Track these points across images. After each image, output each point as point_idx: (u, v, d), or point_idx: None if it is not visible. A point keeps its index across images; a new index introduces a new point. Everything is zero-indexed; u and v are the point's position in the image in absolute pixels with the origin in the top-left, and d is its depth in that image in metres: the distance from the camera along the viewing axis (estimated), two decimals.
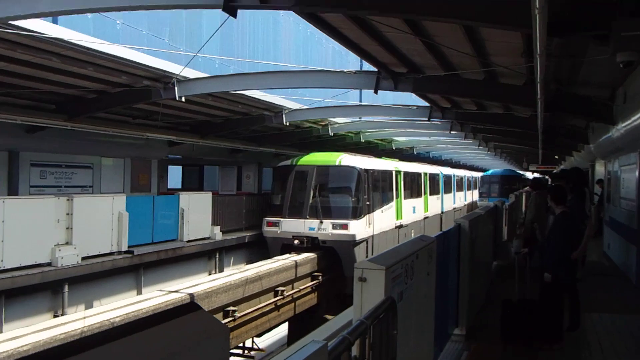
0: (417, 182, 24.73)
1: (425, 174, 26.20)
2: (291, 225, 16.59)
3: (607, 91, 9.88)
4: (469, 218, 7.15)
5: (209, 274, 15.06)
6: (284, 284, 13.85)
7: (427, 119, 14.78)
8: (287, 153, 24.52)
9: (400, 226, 20.81)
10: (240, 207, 17.71)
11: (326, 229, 16.26)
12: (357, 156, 18.88)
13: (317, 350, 1.84)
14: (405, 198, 21.61)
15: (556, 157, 24.58)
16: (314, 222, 16.38)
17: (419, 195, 24.62)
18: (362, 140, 22.71)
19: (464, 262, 6.76)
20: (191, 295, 10.57)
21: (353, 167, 17.21)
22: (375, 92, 9.90)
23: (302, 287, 14.54)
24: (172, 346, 1.19)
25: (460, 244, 6.70)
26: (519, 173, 40.80)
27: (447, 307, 6.10)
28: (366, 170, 17.53)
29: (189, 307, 1.33)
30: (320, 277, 15.55)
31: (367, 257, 15.87)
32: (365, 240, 17.11)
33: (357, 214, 16.76)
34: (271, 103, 15.09)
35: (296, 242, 16.29)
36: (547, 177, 42.09)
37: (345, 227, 16.31)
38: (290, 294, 13.96)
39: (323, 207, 16.55)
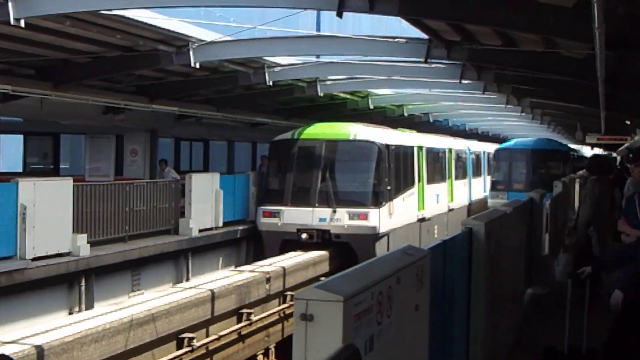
0: (441, 162, 28.10)
1: (450, 150, 29.34)
2: (296, 216, 20.07)
3: None
4: (487, 219, 7.23)
5: (70, 313, 14.92)
6: (193, 328, 13.84)
7: (423, 59, 14.91)
8: (196, 113, 24.43)
9: (423, 219, 23.73)
10: (121, 203, 17.54)
11: (341, 219, 19.63)
12: (371, 127, 22.90)
13: None
14: (427, 182, 24.77)
15: (627, 122, 25.14)
16: (326, 212, 19.81)
17: (442, 179, 27.90)
18: (320, 94, 22.80)
19: (478, 289, 6.86)
20: (38, 349, 10.45)
21: (372, 143, 20.70)
22: (339, 14, 9.90)
23: (223, 333, 14.58)
24: None
25: (472, 259, 6.79)
26: (565, 146, 38.96)
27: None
28: (387, 146, 20.86)
29: None
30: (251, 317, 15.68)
31: None
32: (387, 234, 20.33)
33: (378, 200, 20.07)
34: (170, 32, 15.02)
35: (304, 236, 19.70)
36: (614, 154, 42.72)
37: (364, 216, 19.55)
38: (204, 344, 13.99)
39: (336, 193, 20.09)
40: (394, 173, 20.89)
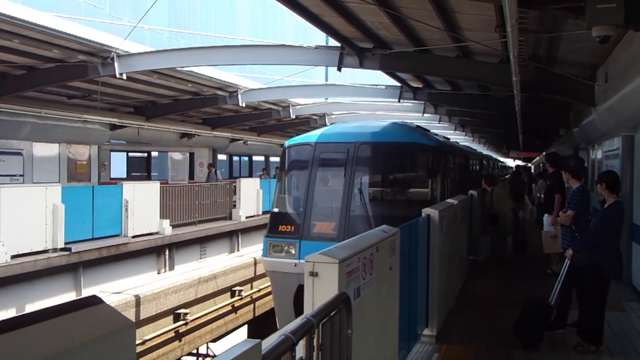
0: None
1: None
2: None
3: (588, 71, 10.10)
4: (440, 208, 7.16)
5: (158, 273, 14.95)
6: (242, 283, 13.92)
7: (397, 99, 14.88)
8: (243, 137, 24.53)
9: None
10: (192, 198, 17.51)
11: None
12: None
13: (246, 350, 1.83)
14: None
15: (537, 142, 25.11)
16: None
17: None
18: (328, 124, 22.83)
19: (434, 256, 6.80)
20: (137, 297, 10.51)
21: None
22: (339, 69, 9.88)
23: (263, 286, 14.58)
24: (66, 341, 1.19)
25: (430, 236, 6.73)
26: (436, 139, 12.15)
27: (416, 306, 6.11)
28: None
29: (90, 301, 1.33)
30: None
31: None
32: None
33: None
34: (224, 82, 15.07)
35: None
36: (529, 164, 42.27)
37: None
38: (249, 294, 14.00)
39: None
40: None
